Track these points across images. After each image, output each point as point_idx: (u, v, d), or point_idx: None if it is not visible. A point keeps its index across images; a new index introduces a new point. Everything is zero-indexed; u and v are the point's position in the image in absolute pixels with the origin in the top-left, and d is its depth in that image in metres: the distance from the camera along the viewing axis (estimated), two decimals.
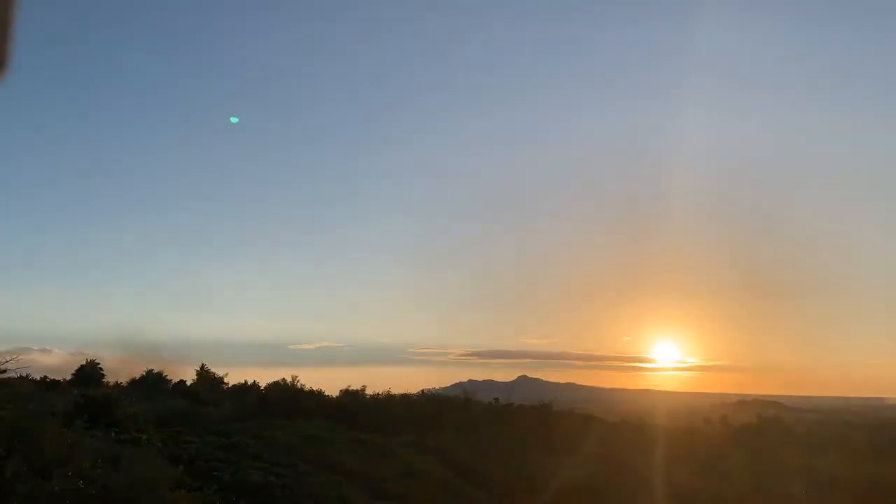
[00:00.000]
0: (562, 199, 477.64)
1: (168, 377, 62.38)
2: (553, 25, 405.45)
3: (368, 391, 57.29)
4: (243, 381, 67.39)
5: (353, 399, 54.98)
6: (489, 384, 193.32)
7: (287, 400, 50.43)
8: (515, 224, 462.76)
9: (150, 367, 61.73)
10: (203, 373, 66.47)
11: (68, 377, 58.78)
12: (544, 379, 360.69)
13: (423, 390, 59.28)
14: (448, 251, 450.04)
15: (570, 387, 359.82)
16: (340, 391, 58.06)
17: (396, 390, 58.90)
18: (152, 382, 59.72)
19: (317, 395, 55.81)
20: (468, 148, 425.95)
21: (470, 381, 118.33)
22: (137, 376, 61.93)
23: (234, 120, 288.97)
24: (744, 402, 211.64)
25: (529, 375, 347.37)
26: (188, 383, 63.33)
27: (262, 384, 63.08)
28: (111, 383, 60.18)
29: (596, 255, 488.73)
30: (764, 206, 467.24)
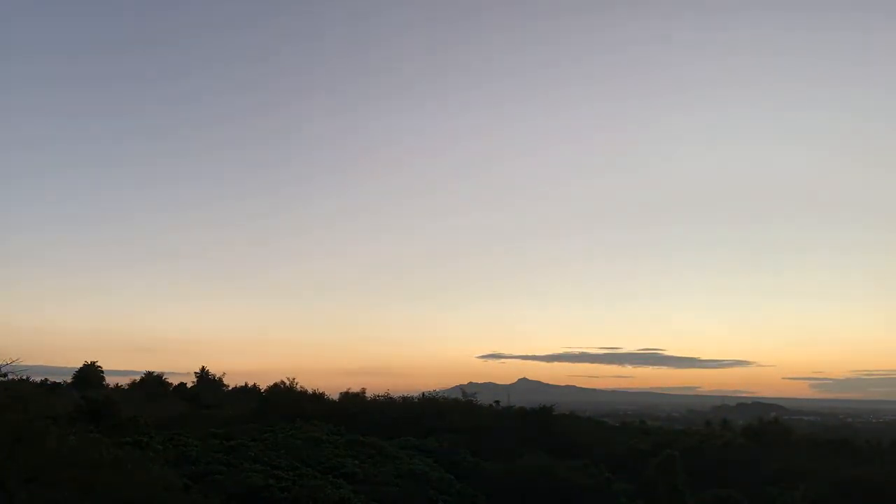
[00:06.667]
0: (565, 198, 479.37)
1: (168, 380, 62.31)
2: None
3: (368, 394, 57.28)
4: (243, 384, 67.41)
5: (353, 401, 54.93)
6: (489, 386, 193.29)
7: (288, 402, 50.39)
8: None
9: None
10: (203, 375, 66.41)
11: (69, 379, 58.73)
12: (544, 381, 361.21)
13: (423, 393, 59.18)
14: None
15: (570, 389, 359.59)
16: (341, 394, 58.04)
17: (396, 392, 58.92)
18: (153, 384, 59.68)
19: (317, 398, 55.79)
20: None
21: (470, 382, 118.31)
22: (138, 378, 61.90)
23: None
24: (743, 405, 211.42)
25: (529, 377, 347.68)
26: (189, 385, 63.30)
27: (263, 386, 63.12)
28: (111, 385, 60.15)
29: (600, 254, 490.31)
30: (760, 209, 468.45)
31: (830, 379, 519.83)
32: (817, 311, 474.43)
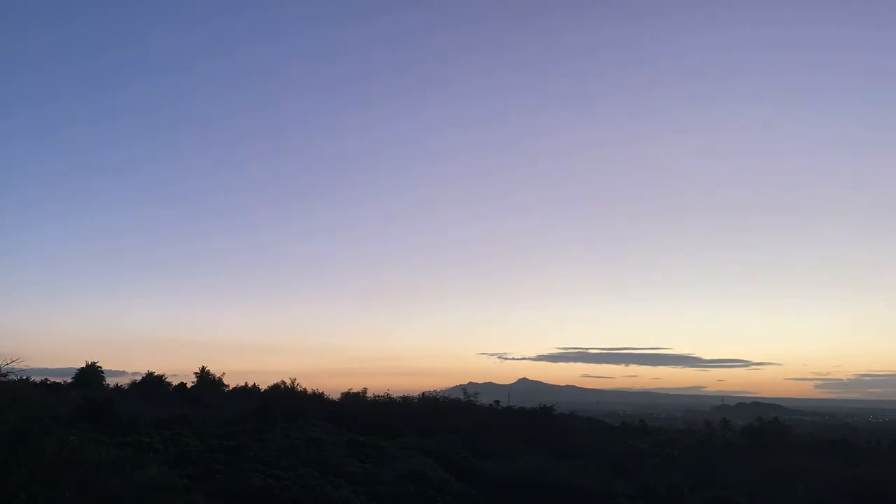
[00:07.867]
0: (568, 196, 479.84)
1: (168, 380, 62.21)
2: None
3: (368, 394, 57.30)
4: (243, 384, 67.36)
5: (353, 402, 54.94)
6: (490, 386, 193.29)
7: (288, 402, 50.39)
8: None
9: None
10: (203, 375, 66.33)
11: (69, 379, 58.67)
12: (545, 381, 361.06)
13: (423, 393, 59.23)
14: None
15: (570, 389, 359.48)
16: (341, 394, 58.08)
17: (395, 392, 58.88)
18: (153, 384, 59.62)
19: (317, 398, 55.79)
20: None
21: (470, 382, 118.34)
22: (138, 378, 61.83)
23: None
24: (743, 405, 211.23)
25: (529, 378, 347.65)
26: (188, 385, 63.20)
27: (263, 386, 63.11)
28: (111, 385, 60.07)
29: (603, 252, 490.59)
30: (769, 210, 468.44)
31: (834, 379, 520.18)
32: (820, 312, 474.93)
